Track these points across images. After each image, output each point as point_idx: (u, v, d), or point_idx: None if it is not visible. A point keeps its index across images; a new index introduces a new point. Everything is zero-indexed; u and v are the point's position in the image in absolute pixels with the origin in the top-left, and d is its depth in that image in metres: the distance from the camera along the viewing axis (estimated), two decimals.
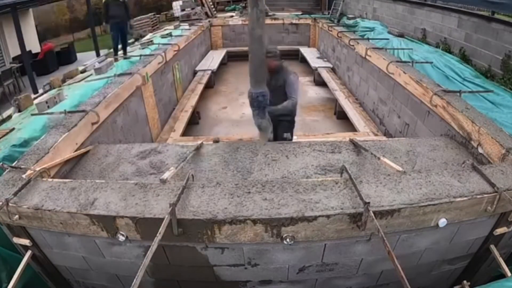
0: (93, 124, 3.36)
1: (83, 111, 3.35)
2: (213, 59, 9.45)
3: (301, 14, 11.65)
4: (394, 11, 8.41)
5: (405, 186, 2.14)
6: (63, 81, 6.42)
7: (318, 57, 9.41)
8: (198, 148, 3.06)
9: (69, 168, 2.88)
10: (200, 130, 6.18)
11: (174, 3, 15.86)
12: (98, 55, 12.77)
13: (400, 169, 2.43)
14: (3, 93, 9.48)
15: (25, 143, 3.26)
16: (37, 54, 12.63)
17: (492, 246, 2.35)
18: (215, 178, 2.70)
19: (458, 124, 3.16)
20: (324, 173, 2.75)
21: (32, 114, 3.71)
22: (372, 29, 7.96)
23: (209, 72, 8.36)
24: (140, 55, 5.85)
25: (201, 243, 2.09)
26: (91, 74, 5.71)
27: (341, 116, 6.30)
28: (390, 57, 5.29)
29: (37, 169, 2.41)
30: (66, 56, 13.71)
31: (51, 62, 12.58)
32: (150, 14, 15.61)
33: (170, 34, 8.13)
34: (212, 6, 13.69)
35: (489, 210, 2.10)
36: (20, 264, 2.23)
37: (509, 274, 2.19)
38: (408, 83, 4.28)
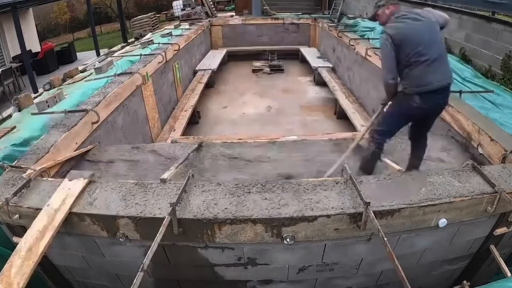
0: (93, 123, 3.36)
1: (83, 110, 3.35)
2: (213, 58, 9.44)
3: (302, 14, 11.64)
4: None
5: (405, 186, 2.14)
6: (63, 80, 6.42)
7: (318, 57, 9.40)
8: (199, 148, 3.06)
9: (69, 168, 2.88)
10: (200, 130, 6.18)
11: (174, 3, 15.88)
12: (98, 54, 12.78)
13: (400, 168, 2.44)
14: (3, 92, 9.48)
15: (25, 143, 3.26)
16: (37, 53, 12.63)
17: (492, 246, 2.35)
18: (216, 178, 2.70)
19: (458, 124, 3.16)
20: (324, 172, 2.75)
21: (32, 114, 3.71)
22: (372, 29, 7.94)
23: (209, 71, 8.36)
24: (140, 55, 5.85)
25: (201, 242, 2.09)
26: (91, 74, 5.70)
27: (341, 116, 6.29)
28: None
29: (37, 168, 2.41)
30: (66, 56, 13.71)
31: (51, 61, 12.59)
32: (150, 13, 15.61)
33: (170, 34, 8.12)
34: (212, 6, 13.70)
35: (489, 210, 2.10)
36: None
37: (509, 274, 2.18)
38: None
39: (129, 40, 13.23)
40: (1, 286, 1.67)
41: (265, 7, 12.41)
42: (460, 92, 3.57)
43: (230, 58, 10.45)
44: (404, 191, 2.10)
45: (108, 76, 4.73)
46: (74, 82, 5.55)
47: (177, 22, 11.68)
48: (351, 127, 5.67)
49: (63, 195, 2.12)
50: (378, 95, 5.46)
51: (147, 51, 6.38)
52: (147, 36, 9.69)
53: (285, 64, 9.82)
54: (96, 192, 2.18)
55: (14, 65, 10.42)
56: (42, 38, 16.10)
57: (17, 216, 2.11)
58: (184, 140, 4.75)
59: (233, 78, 9.14)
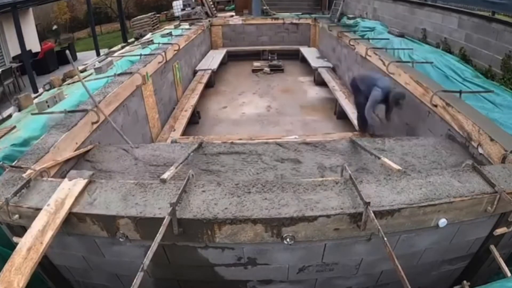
0: (93, 123, 3.36)
1: (83, 110, 3.35)
2: (213, 58, 9.44)
3: (301, 14, 11.64)
4: (394, 11, 8.40)
5: (405, 186, 2.14)
6: (63, 80, 6.42)
7: (318, 57, 9.40)
8: (199, 148, 3.06)
9: (69, 168, 2.88)
10: (200, 130, 6.18)
11: (174, 3, 15.88)
12: (98, 54, 12.78)
13: (400, 168, 2.44)
14: (3, 92, 9.49)
15: (25, 143, 3.26)
16: (37, 53, 12.63)
17: (492, 246, 2.35)
18: (217, 177, 2.70)
19: (458, 124, 3.16)
20: (325, 172, 2.75)
21: (32, 114, 3.71)
22: (372, 29, 7.95)
23: (209, 71, 8.36)
24: (140, 55, 5.85)
25: (201, 242, 2.09)
26: (91, 74, 5.70)
27: (341, 116, 6.29)
28: (390, 57, 5.28)
29: (37, 168, 2.41)
30: (66, 56, 13.67)
31: (51, 61, 12.58)
32: (150, 13, 15.60)
33: (170, 34, 8.12)
34: (212, 6, 13.69)
35: (489, 210, 2.10)
36: None
37: (509, 274, 2.18)
38: (408, 83, 4.28)
39: (129, 40, 13.23)
40: (1, 286, 1.67)
41: (265, 7, 12.41)
42: (460, 92, 3.57)
43: (230, 58, 10.46)
44: (404, 191, 2.10)
45: (108, 76, 4.73)
46: (74, 82, 5.55)
47: (177, 22, 11.68)
48: (351, 127, 5.67)
49: (63, 195, 2.12)
50: None
51: (147, 51, 6.38)
52: (147, 36, 9.69)
53: (285, 64, 9.82)
54: (96, 192, 2.18)
55: (14, 65, 10.42)
56: (42, 38, 16.10)
57: (17, 216, 2.11)
58: (184, 140, 4.76)
59: (233, 78, 9.14)
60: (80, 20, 25.66)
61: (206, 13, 12.80)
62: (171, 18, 17.45)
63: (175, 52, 6.73)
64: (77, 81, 5.30)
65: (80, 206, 2.08)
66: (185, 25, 9.82)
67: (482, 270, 2.59)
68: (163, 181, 2.26)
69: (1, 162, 2.55)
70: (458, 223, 2.15)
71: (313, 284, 2.46)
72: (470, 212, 2.11)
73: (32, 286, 2.22)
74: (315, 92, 7.96)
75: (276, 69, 9.52)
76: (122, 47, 10.37)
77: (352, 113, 5.91)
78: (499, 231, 2.26)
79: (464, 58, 5.61)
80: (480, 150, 2.84)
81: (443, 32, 6.42)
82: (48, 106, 4.02)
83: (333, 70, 8.40)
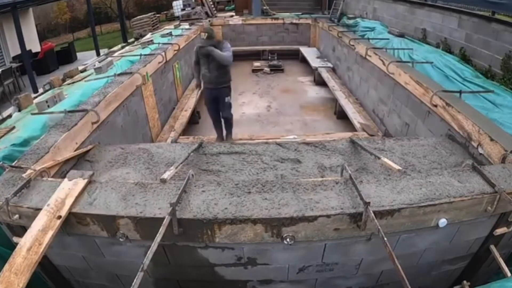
0: (93, 123, 3.36)
1: (83, 110, 3.35)
2: None
3: (301, 14, 11.65)
4: (394, 11, 8.41)
5: (405, 186, 2.14)
6: (63, 80, 6.42)
7: (318, 57, 9.40)
8: (199, 148, 3.06)
9: (69, 168, 2.88)
10: (200, 130, 6.18)
11: (174, 3, 15.88)
12: (98, 54, 12.79)
13: (400, 168, 2.44)
14: (3, 92, 9.49)
15: (25, 143, 3.26)
16: (37, 53, 12.63)
17: (492, 246, 2.35)
18: (217, 177, 2.70)
19: (458, 124, 3.16)
20: (325, 172, 2.75)
21: (32, 114, 3.71)
22: (372, 29, 7.96)
23: None
24: (140, 55, 5.85)
25: (201, 242, 2.09)
26: (91, 74, 5.70)
27: (341, 116, 6.29)
28: (390, 57, 5.28)
29: (37, 168, 2.41)
30: (66, 56, 13.70)
31: (51, 61, 12.58)
32: (150, 13, 15.60)
33: (170, 34, 8.12)
34: (212, 6, 13.69)
35: (489, 210, 2.10)
36: None
37: (509, 274, 2.18)
38: (408, 83, 4.28)
39: (129, 40, 13.24)
40: (1, 286, 1.67)
41: (265, 7, 12.42)
42: (460, 92, 3.57)
43: None
44: (404, 191, 2.10)
45: (108, 76, 4.73)
46: (74, 82, 5.55)
47: (177, 22, 11.68)
48: (351, 127, 5.67)
49: (63, 195, 2.12)
50: (378, 95, 5.47)
51: (147, 51, 6.38)
52: (147, 36, 9.69)
53: (285, 64, 9.82)
54: (96, 192, 2.18)
55: (14, 65, 10.42)
56: (42, 38, 16.10)
57: (17, 216, 2.11)
58: (184, 140, 4.76)
59: (233, 78, 9.11)
60: (80, 20, 25.66)
61: (206, 13, 12.80)
62: (171, 18, 17.45)
63: (175, 52, 6.73)
64: (77, 81, 5.30)
65: (80, 206, 2.08)
66: (185, 25, 9.82)
67: (482, 270, 2.59)
68: (163, 181, 2.26)
69: (1, 162, 2.55)
70: (458, 223, 2.15)
71: (313, 284, 2.47)
72: (470, 212, 2.11)
73: (32, 286, 2.22)
74: (315, 92, 7.96)
75: (276, 69, 9.52)
76: (122, 47, 10.37)
77: (352, 113, 5.92)
78: (499, 231, 2.26)
79: (464, 58, 5.62)
80: (480, 150, 2.84)
81: (443, 32, 6.42)
82: (48, 106, 4.02)
83: (333, 70, 8.40)
